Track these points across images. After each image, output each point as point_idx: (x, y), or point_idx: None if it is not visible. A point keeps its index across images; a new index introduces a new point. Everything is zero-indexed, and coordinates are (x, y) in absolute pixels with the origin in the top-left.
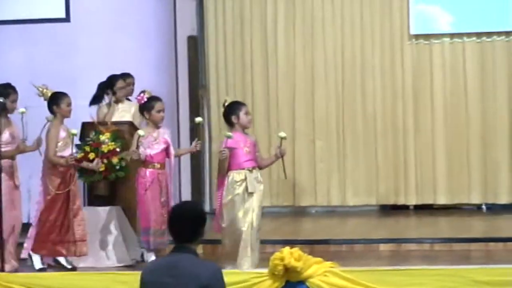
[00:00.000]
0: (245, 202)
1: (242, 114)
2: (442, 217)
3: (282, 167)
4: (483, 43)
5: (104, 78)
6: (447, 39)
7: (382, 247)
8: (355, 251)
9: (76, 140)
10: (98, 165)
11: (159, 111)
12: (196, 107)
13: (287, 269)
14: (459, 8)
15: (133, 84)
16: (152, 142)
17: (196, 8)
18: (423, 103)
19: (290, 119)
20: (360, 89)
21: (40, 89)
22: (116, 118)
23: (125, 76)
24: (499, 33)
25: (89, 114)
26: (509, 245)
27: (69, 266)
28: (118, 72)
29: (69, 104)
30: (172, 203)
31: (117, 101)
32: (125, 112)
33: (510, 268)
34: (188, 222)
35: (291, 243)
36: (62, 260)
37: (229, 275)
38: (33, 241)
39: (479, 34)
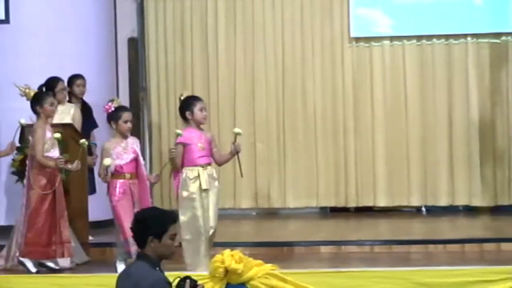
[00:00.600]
0: (201, 199)
1: (196, 109)
2: (382, 219)
3: (238, 164)
4: (423, 46)
5: (44, 80)
6: (387, 42)
7: (323, 249)
8: (295, 253)
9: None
10: (78, 166)
11: (126, 121)
12: (136, 110)
13: (228, 272)
14: (399, 12)
15: (84, 85)
16: (121, 152)
17: (137, 10)
18: (363, 105)
19: (230, 121)
20: (300, 92)
21: (22, 89)
22: (56, 120)
23: (76, 77)
24: (438, 36)
25: (29, 116)
26: (449, 247)
27: (57, 267)
28: (58, 74)
29: (52, 104)
30: None
31: (58, 103)
32: (65, 114)
33: (450, 270)
34: (135, 229)
35: (232, 245)
36: (48, 262)
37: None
38: (22, 245)
39: (419, 37)
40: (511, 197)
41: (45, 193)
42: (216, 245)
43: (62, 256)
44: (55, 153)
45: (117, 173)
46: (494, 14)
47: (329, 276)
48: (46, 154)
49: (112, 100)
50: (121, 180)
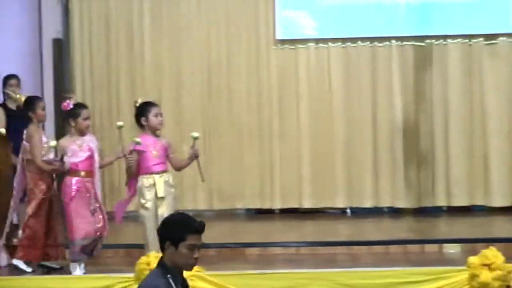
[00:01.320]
0: (156, 208)
1: (151, 115)
2: (307, 221)
3: (198, 169)
4: (348, 49)
5: None
6: (312, 45)
7: (249, 251)
8: (222, 255)
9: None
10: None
11: (85, 119)
12: (61, 111)
13: None
14: (324, 14)
15: (18, 85)
16: (77, 150)
17: (61, 11)
18: (289, 107)
19: None
20: (226, 94)
21: (13, 95)
22: None
23: (9, 77)
24: (363, 39)
25: None
26: (374, 249)
27: (58, 266)
28: None
29: (43, 108)
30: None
31: None
32: None
33: (374, 271)
34: (158, 231)
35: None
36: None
37: (94, 279)
38: (18, 248)
39: (344, 40)
40: (435, 199)
41: (44, 197)
42: (142, 247)
43: (57, 258)
44: (50, 157)
45: (72, 170)
46: (418, 17)
47: (255, 278)
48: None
49: (69, 97)
50: (76, 178)
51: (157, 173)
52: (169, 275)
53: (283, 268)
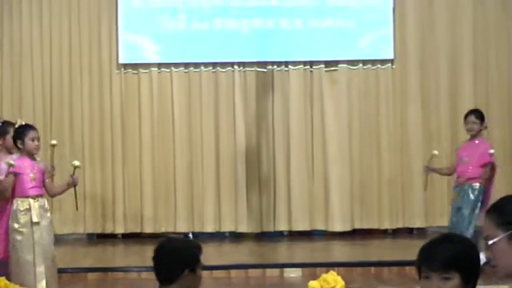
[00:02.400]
0: (33, 233)
1: (27, 139)
2: (149, 246)
3: (74, 197)
4: (190, 73)
5: None
6: (155, 69)
7: (90, 275)
8: (62, 280)
9: None
10: None
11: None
12: None
13: None
14: (167, 39)
15: None
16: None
17: None
18: (132, 132)
19: None
20: (68, 117)
21: None
22: None
23: None
24: (206, 64)
25: None
26: (215, 273)
27: None
28: None
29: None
30: None
31: None
32: None
33: None
34: (165, 262)
35: None
36: None
37: None
38: None
39: (186, 65)
40: (276, 223)
41: None
42: None
43: None
44: None
45: None
46: (260, 44)
47: None
48: None
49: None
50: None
51: (32, 197)
52: None
53: None
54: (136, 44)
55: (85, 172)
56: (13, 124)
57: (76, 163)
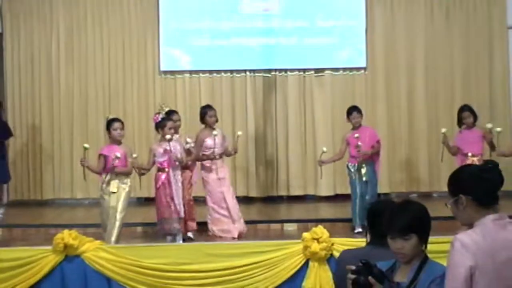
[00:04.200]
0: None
1: (112, 129)
2: None
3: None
4: (213, 78)
5: None
6: (187, 75)
7: None
8: None
9: None
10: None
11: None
12: None
13: (66, 246)
14: (196, 52)
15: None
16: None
17: None
18: None
19: (69, 136)
20: (122, 112)
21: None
22: None
23: None
24: (225, 71)
25: None
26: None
27: None
28: None
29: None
30: None
31: None
32: None
33: (232, 244)
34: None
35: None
36: None
37: (17, 251)
38: None
39: (210, 71)
40: (277, 190)
41: None
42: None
43: None
44: None
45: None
46: (266, 55)
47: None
48: None
49: (158, 113)
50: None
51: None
52: None
53: None
54: (173, 55)
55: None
56: (169, 118)
57: (86, 145)
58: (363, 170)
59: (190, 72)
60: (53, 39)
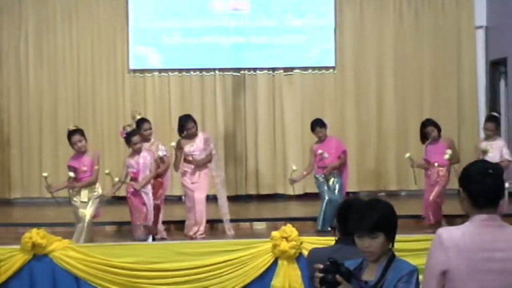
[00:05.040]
0: None
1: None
2: None
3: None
4: (183, 77)
5: None
6: (156, 73)
7: None
8: None
9: None
10: None
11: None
12: None
13: (34, 245)
14: (166, 51)
15: None
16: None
17: None
18: None
19: (37, 134)
20: (91, 109)
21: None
22: None
23: None
24: (194, 70)
25: None
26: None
27: None
28: None
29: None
30: None
31: None
32: None
33: (201, 243)
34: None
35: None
36: None
37: None
38: None
39: (180, 70)
40: (247, 189)
41: None
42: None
43: None
44: None
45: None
46: (235, 55)
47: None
48: None
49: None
50: None
51: None
52: None
53: None
54: (142, 54)
55: (105, 157)
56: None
57: (45, 174)
58: (331, 181)
59: (160, 70)
60: (21, 37)
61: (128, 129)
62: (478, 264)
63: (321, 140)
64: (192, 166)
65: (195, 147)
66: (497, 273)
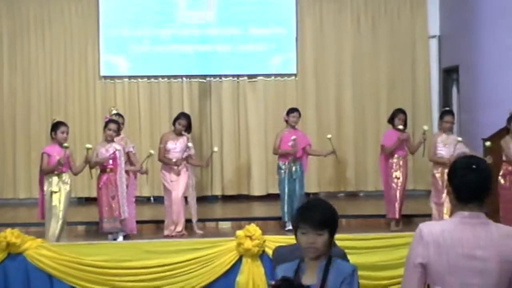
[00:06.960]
0: None
1: (59, 132)
2: None
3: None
4: (151, 83)
5: None
6: (126, 80)
7: None
8: None
9: None
10: None
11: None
12: None
13: (9, 245)
14: (135, 58)
15: None
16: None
17: None
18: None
19: (12, 137)
20: (63, 113)
21: None
22: None
23: None
24: (162, 76)
25: None
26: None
27: None
28: None
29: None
30: None
31: None
32: None
33: (170, 242)
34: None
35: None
36: None
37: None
38: None
39: (149, 77)
40: (212, 190)
41: None
42: None
43: None
44: None
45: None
46: (201, 62)
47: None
48: None
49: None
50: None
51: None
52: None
53: None
54: (113, 61)
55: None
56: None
57: (88, 146)
58: (293, 169)
59: (129, 77)
60: None
61: (114, 117)
62: (458, 260)
63: (291, 127)
64: (173, 164)
65: (177, 145)
66: (478, 270)
